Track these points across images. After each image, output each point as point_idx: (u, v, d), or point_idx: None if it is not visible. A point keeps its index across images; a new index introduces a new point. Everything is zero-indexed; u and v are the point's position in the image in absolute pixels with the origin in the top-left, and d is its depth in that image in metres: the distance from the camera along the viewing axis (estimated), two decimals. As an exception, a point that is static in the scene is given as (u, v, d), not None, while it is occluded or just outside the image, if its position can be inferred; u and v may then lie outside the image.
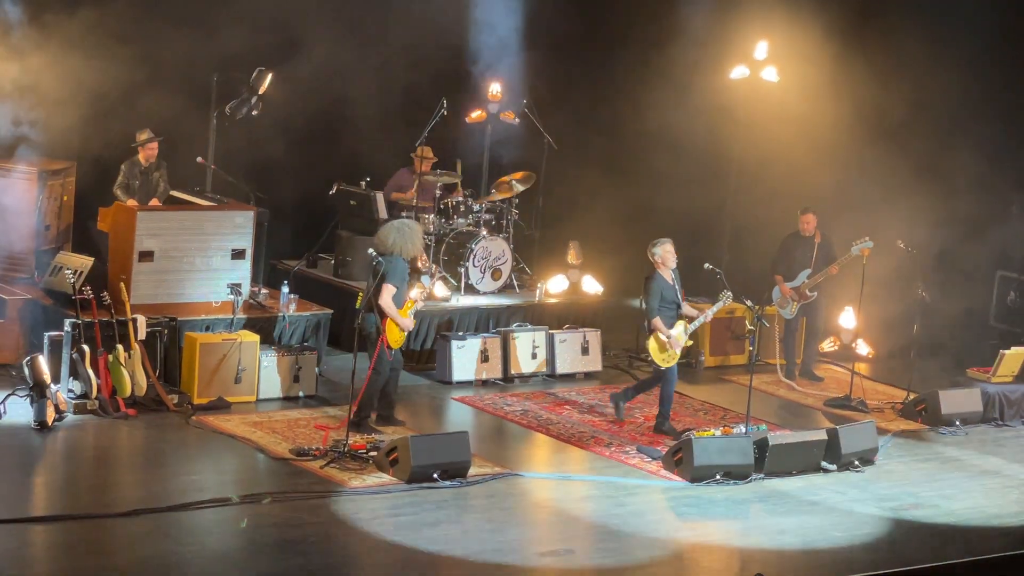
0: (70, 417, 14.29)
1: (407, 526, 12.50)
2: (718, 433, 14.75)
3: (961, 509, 13.92)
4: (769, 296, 17.55)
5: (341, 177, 17.86)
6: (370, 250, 14.75)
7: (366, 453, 13.75)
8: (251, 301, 16.11)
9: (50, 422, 13.96)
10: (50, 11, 16.04)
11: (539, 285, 17.89)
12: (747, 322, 17.44)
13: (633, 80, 19.93)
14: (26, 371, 14.16)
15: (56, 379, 14.43)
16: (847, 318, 18.59)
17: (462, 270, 17.41)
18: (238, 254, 15.97)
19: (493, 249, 17.65)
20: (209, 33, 16.74)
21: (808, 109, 19.00)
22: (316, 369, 15.65)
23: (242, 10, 17.00)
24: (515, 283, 17.99)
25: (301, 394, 15.47)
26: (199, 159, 17.17)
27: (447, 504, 13.06)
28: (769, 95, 19.23)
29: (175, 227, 15.71)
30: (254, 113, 17.10)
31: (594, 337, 17.34)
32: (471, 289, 17.49)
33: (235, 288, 15.75)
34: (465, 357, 16.55)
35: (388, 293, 14.40)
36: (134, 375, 14.65)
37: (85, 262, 15.43)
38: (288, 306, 16.10)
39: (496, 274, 17.69)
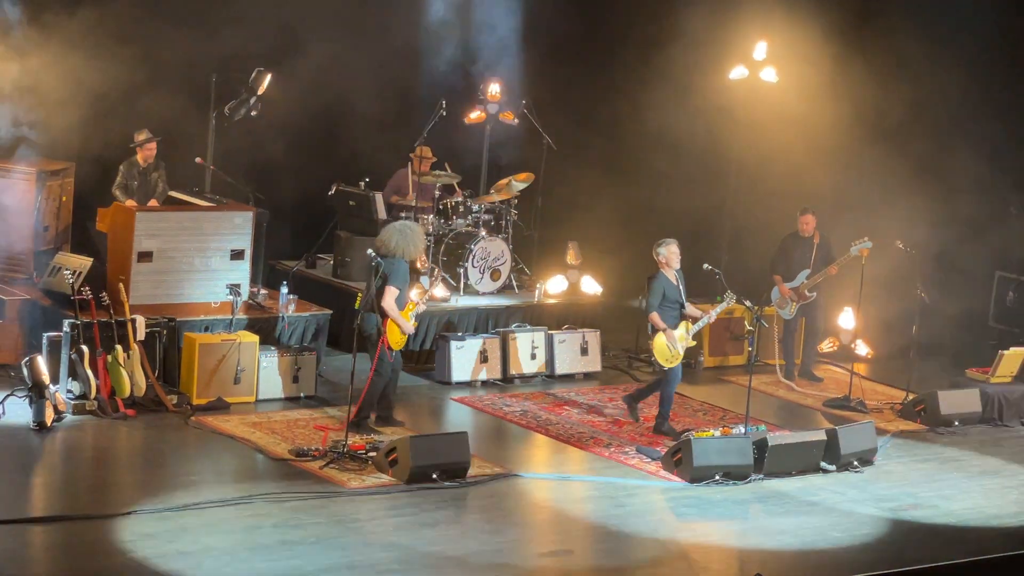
0: (69, 418, 14.29)
1: (406, 527, 12.50)
2: (717, 434, 14.74)
3: (960, 509, 13.92)
4: (768, 297, 17.55)
5: (340, 178, 17.86)
6: (369, 250, 14.75)
7: (365, 454, 13.75)
8: (250, 302, 16.11)
9: (49, 423, 13.95)
10: (49, 11, 16.03)
11: (538, 286, 17.88)
12: (746, 323, 17.44)
13: (632, 80, 19.92)
14: (25, 372, 14.15)
15: (55, 380, 14.43)
16: (846, 318, 18.59)
17: (461, 271, 17.41)
18: (237, 255, 15.96)
19: (492, 250, 17.65)
20: (208, 33, 16.73)
21: (807, 109, 19.00)
22: (316, 370, 15.64)
23: (241, 10, 16.99)
24: (514, 284, 17.98)
25: (303, 395, 15.47)
26: (198, 159, 17.16)
27: (446, 505, 13.05)
28: (768, 96, 19.23)
29: (174, 227, 15.70)
30: (253, 114, 17.10)
31: (593, 338, 17.34)
32: (470, 290, 17.49)
33: (234, 289, 15.74)
34: (464, 358, 16.55)
35: (391, 295, 14.40)
36: (133, 376, 14.65)
37: (84, 262, 15.42)
38: (287, 307, 16.09)
39: (495, 275, 17.68)
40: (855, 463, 14.68)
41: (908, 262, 17.12)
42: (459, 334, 16.73)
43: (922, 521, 13.62)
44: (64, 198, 16.66)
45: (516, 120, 18.78)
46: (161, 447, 13.95)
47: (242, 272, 15.98)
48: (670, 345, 15.06)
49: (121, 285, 15.00)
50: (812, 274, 17.32)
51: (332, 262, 17.78)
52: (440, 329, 16.88)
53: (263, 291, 16.53)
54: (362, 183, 17.72)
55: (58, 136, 16.23)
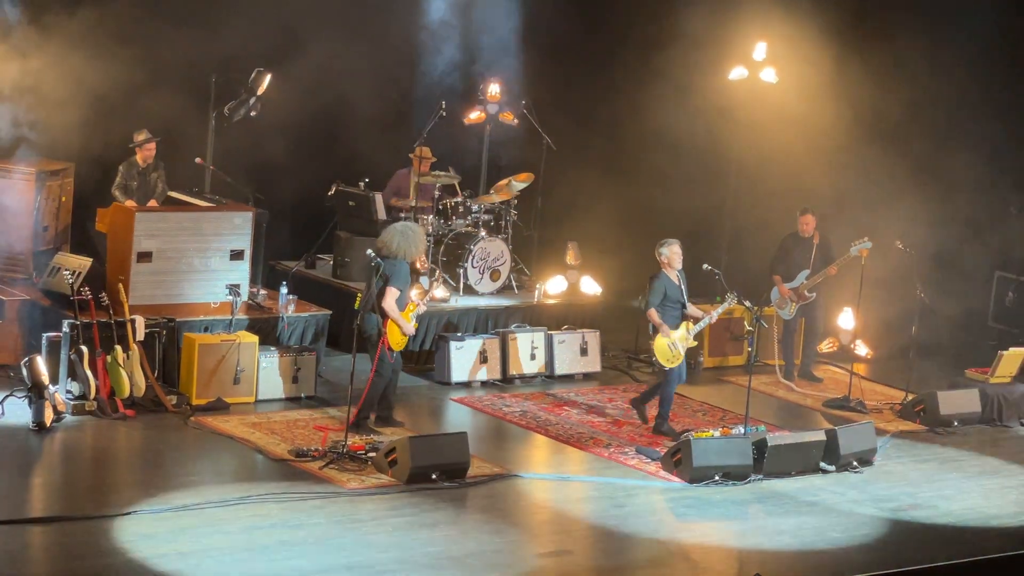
0: (68, 418, 14.29)
1: (406, 527, 12.50)
2: (717, 434, 14.75)
3: (959, 510, 13.93)
4: (768, 297, 17.55)
5: (340, 178, 17.86)
6: (369, 251, 14.75)
7: (365, 454, 13.75)
8: (250, 302, 16.11)
9: (48, 423, 13.95)
10: (49, 12, 16.04)
11: (538, 286, 17.88)
12: (746, 323, 17.45)
13: (632, 81, 19.93)
14: (24, 372, 14.14)
15: (54, 380, 14.42)
16: (846, 319, 18.59)
17: (461, 271, 17.41)
18: (237, 255, 15.96)
19: (492, 250, 17.65)
20: (208, 34, 16.73)
21: (807, 110, 19.01)
22: (316, 370, 15.64)
23: (241, 11, 16.99)
24: (514, 284, 17.98)
25: (302, 396, 15.46)
26: (198, 160, 17.16)
27: (446, 505, 13.05)
28: (768, 96, 19.23)
29: (173, 228, 15.70)
30: (252, 114, 17.10)
31: (593, 338, 17.34)
32: (470, 290, 17.49)
33: (234, 289, 15.74)
34: (464, 358, 16.55)
35: (392, 296, 14.41)
36: (132, 376, 14.65)
37: (83, 263, 15.42)
38: (287, 307, 16.09)
39: (495, 275, 17.68)
40: (854, 463, 14.68)
41: (907, 262, 17.12)
42: (459, 334, 16.73)
43: (921, 521, 13.63)
44: (64, 198, 16.66)
45: (516, 120, 18.78)
46: (160, 447, 13.95)
47: (242, 272, 15.98)
48: (671, 345, 15.05)
49: (121, 285, 15.00)
50: (812, 274, 17.32)
51: (332, 262, 17.79)
52: (440, 329, 16.88)
53: (262, 291, 16.53)
54: (362, 183, 17.72)
55: (58, 136, 16.23)
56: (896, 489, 14.33)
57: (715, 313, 15.36)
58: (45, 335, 14.79)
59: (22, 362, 14.34)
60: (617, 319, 18.56)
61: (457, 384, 16.45)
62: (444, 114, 17.83)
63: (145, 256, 15.48)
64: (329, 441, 14.05)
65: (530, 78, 19.25)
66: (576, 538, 12.80)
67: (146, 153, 16.42)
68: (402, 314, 14.52)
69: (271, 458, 13.79)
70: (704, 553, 12.63)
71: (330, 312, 16.41)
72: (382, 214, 17.48)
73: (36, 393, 13.98)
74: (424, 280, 16.31)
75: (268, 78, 17.04)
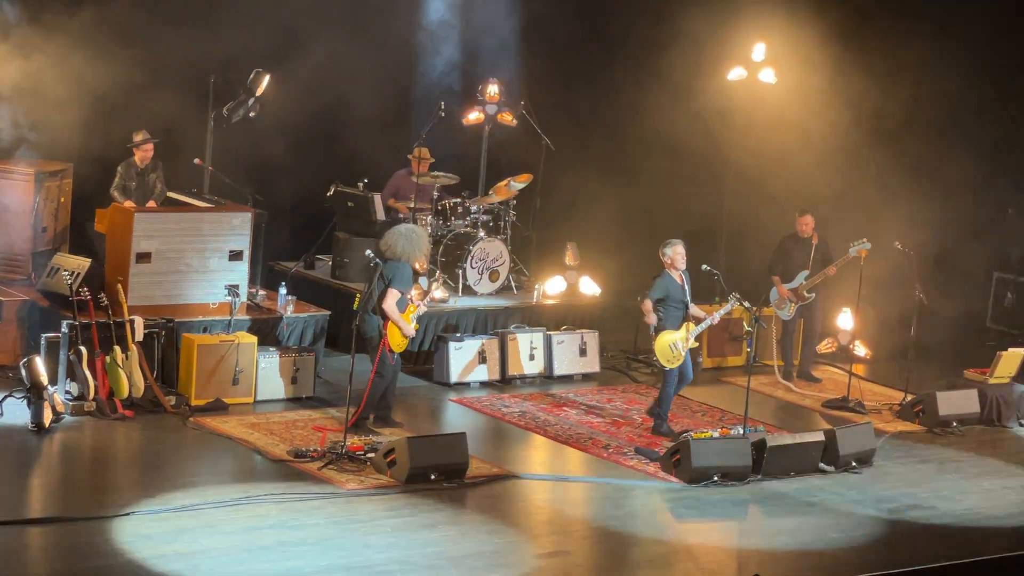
0: (67, 419, 14.28)
1: (405, 528, 12.50)
2: (716, 434, 14.75)
3: (959, 510, 13.93)
4: (767, 297, 17.55)
5: (339, 179, 17.85)
6: (368, 252, 14.75)
7: (364, 455, 13.75)
8: (249, 302, 16.10)
9: (47, 424, 13.94)
10: (49, 12, 16.04)
11: (537, 287, 17.88)
12: (745, 324, 17.43)
13: (631, 81, 19.94)
14: (23, 373, 14.14)
15: (53, 380, 14.42)
16: (845, 319, 18.59)
17: (460, 272, 17.41)
18: (236, 255, 15.96)
19: (491, 251, 17.65)
20: (207, 34, 16.73)
21: (806, 111, 19.02)
22: (315, 371, 15.64)
23: (240, 11, 16.99)
24: (513, 285, 17.98)
25: (302, 396, 15.46)
26: (197, 160, 17.16)
27: (445, 506, 13.05)
28: (767, 97, 19.24)
29: (172, 228, 15.69)
30: (251, 115, 17.09)
31: (592, 338, 17.34)
32: (469, 291, 17.49)
33: (233, 289, 15.73)
34: (463, 358, 16.54)
35: (393, 298, 14.41)
36: (131, 376, 14.65)
37: (82, 263, 15.42)
38: (286, 307, 16.09)
39: (494, 276, 17.68)
40: (854, 464, 14.68)
41: (906, 263, 17.12)
42: (458, 335, 16.73)
43: (920, 522, 13.62)
44: (63, 199, 16.66)
45: (515, 121, 18.77)
46: (159, 448, 13.95)
47: (240, 273, 15.98)
48: (672, 345, 15.05)
49: (120, 286, 14.99)
50: (811, 275, 17.32)
51: (331, 263, 17.79)
52: (439, 330, 16.88)
53: (261, 292, 16.52)
54: (361, 184, 17.72)
55: (57, 136, 16.23)
56: (895, 490, 14.33)
57: (717, 315, 15.36)
58: (44, 336, 14.79)
59: (21, 363, 14.33)
60: (616, 320, 18.56)
61: (456, 384, 16.45)
62: (443, 115, 17.83)
63: (144, 257, 15.47)
64: (328, 442, 14.04)
65: (529, 79, 19.26)
66: (575, 539, 12.80)
67: (144, 153, 16.42)
68: (402, 315, 14.52)
69: (270, 459, 13.78)
70: (703, 553, 12.63)
71: (329, 313, 16.40)
72: (381, 215, 17.48)
73: (35, 394, 13.97)
74: (423, 281, 16.31)
75: (267, 79, 17.04)
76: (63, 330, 14.64)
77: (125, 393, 14.60)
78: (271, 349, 15.51)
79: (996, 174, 19.19)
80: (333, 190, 17.77)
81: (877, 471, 14.78)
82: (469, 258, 17.44)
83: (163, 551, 11.59)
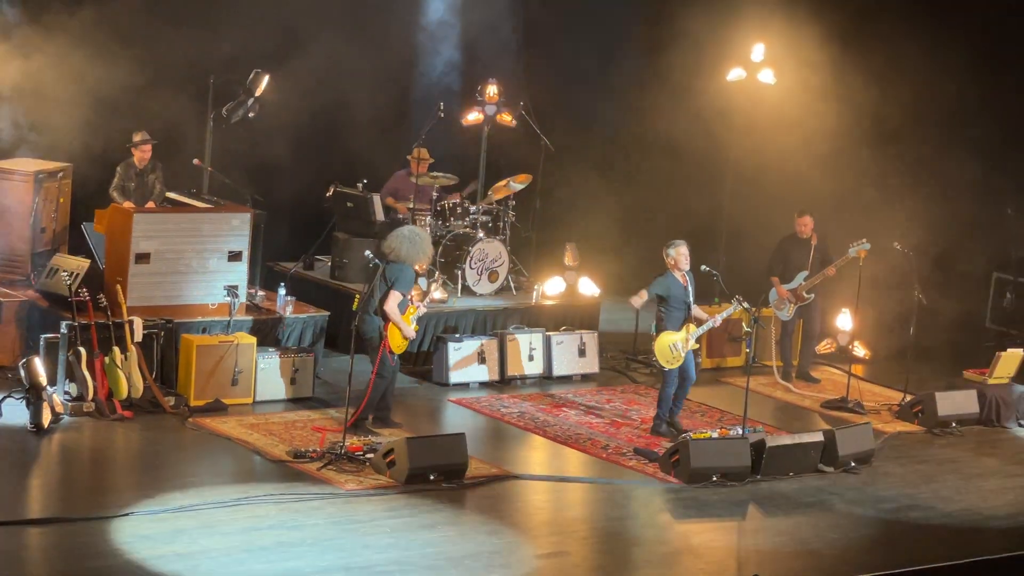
0: (66, 419, 14.28)
1: (404, 528, 12.50)
2: (715, 435, 14.75)
3: (958, 511, 13.93)
4: (766, 298, 17.55)
5: (338, 179, 17.86)
6: (367, 252, 14.75)
7: (363, 455, 13.75)
8: (248, 303, 16.10)
9: (46, 424, 13.94)
10: (49, 13, 16.05)
11: (536, 287, 17.88)
12: (744, 324, 17.42)
13: (631, 82, 19.93)
14: (22, 373, 14.14)
15: (52, 381, 14.42)
16: (844, 320, 18.59)
17: (459, 272, 17.41)
18: (235, 256, 15.95)
19: (490, 251, 17.65)
20: (206, 34, 16.74)
21: (805, 111, 19.01)
22: (314, 371, 15.64)
23: (240, 11, 17.00)
24: (512, 285, 17.98)
25: (301, 397, 15.45)
26: (196, 161, 17.16)
27: (444, 506, 13.05)
28: (766, 98, 19.24)
29: (172, 229, 15.68)
30: (251, 115, 17.10)
31: (591, 339, 17.34)
32: (468, 291, 17.49)
33: (232, 290, 15.73)
34: (462, 359, 16.54)
35: (395, 300, 14.42)
36: (130, 377, 14.65)
37: (81, 264, 15.42)
38: (285, 308, 16.09)
39: (493, 276, 17.68)
40: (853, 464, 14.68)
41: (906, 263, 17.13)
42: (457, 335, 16.72)
43: (919, 522, 13.63)
44: (62, 199, 16.66)
45: (514, 122, 18.77)
46: (158, 449, 13.95)
47: (240, 274, 15.97)
48: (672, 346, 15.05)
49: (119, 287, 15.00)
50: (810, 276, 17.32)
51: (330, 263, 17.79)
52: (438, 331, 16.88)
53: (260, 292, 16.52)
54: (360, 185, 17.72)
55: (57, 137, 16.24)
56: (894, 490, 14.34)
57: (719, 317, 15.35)
58: (43, 336, 14.79)
59: (20, 363, 14.33)
60: (615, 320, 18.56)
61: (455, 385, 16.45)
62: (442, 115, 17.83)
63: (143, 257, 15.46)
64: (327, 442, 14.04)
65: (528, 79, 19.25)
66: (574, 539, 12.80)
67: (142, 154, 16.42)
68: (402, 317, 14.53)
69: (269, 459, 13.78)
70: (702, 554, 12.63)
71: (328, 313, 16.40)
72: (380, 215, 17.48)
73: (34, 394, 13.97)
74: (422, 282, 16.31)
75: (266, 79, 17.04)
76: (62, 331, 14.64)
77: (124, 394, 14.60)
78: (270, 350, 15.51)
79: (996, 174, 19.18)
80: (332, 191, 17.77)
81: (876, 472, 14.78)
82: (468, 259, 17.44)
83: (162, 551, 11.60)
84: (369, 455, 13.72)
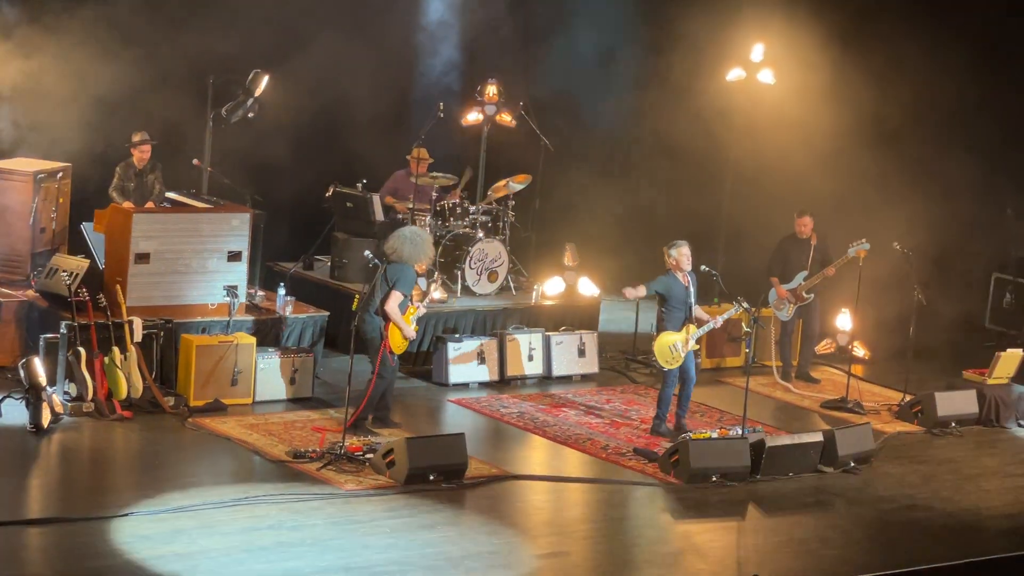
0: (66, 419, 14.28)
1: (403, 528, 12.50)
2: (714, 435, 14.75)
3: (957, 511, 13.93)
4: (765, 298, 17.55)
5: (337, 179, 17.85)
6: (367, 252, 14.74)
7: (363, 455, 13.75)
8: (247, 303, 16.10)
9: (46, 424, 13.94)
10: (48, 13, 16.04)
11: (535, 287, 17.88)
12: (744, 324, 17.43)
13: (630, 82, 19.93)
14: (22, 373, 14.14)
15: (52, 381, 14.42)
16: (843, 320, 18.58)
17: (459, 272, 17.41)
18: (234, 256, 15.95)
19: (489, 251, 17.65)
20: (206, 35, 16.74)
21: (805, 112, 19.02)
22: (314, 371, 15.64)
23: (239, 11, 17.00)
24: (511, 285, 17.98)
25: (301, 397, 15.45)
26: (195, 161, 17.17)
27: (443, 506, 13.05)
28: (766, 98, 19.24)
29: (171, 229, 15.68)
30: (250, 115, 17.10)
31: (591, 339, 17.33)
32: (467, 291, 17.48)
33: (231, 290, 15.73)
34: (462, 359, 16.54)
35: (395, 300, 14.43)
36: (130, 377, 14.65)
37: (81, 264, 15.41)
38: (285, 308, 16.09)
39: (492, 276, 17.68)
40: (852, 464, 14.67)
41: (905, 264, 17.12)
42: (456, 336, 16.73)
43: (919, 522, 13.63)
44: (61, 199, 16.66)
45: (513, 122, 18.77)
46: (158, 449, 13.95)
47: (239, 274, 15.97)
48: (672, 347, 15.04)
49: (118, 287, 14.99)
50: (809, 276, 17.32)
51: (329, 263, 17.78)
52: (438, 331, 16.88)
53: (260, 292, 16.52)
54: (359, 185, 17.72)
55: (57, 137, 16.24)
56: (893, 490, 14.33)
57: (720, 319, 15.35)
58: (42, 336, 14.79)
59: (19, 363, 14.33)
60: (615, 320, 18.56)
61: (455, 385, 16.45)
62: (442, 115, 17.82)
63: (143, 257, 15.46)
64: (327, 442, 14.04)
65: (528, 79, 19.25)
66: (574, 539, 12.80)
67: (142, 154, 16.42)
68: (403, 317, 14.53)
69: (269, 459, 13.78)
70: (702, 554, 12.63)
71: (328, 313, 16.40)
72: (380, 215, 17.48)
73: (33, 395, 13.97)
74: (422, 282, 16.31)
75: (266, 79, 17.04)
76: (62, 331, 14.64)
77: (124, 394, 14.60)
78: (270, 350, 15.51)
79: (996, 174, 19.18)
80: (332, 191, 17.77)
81: (876, 472, 14.78)
82: (468, 259, 17.44)
83: (161, 552, 11.60)
84: (369, 455, 13.72)
